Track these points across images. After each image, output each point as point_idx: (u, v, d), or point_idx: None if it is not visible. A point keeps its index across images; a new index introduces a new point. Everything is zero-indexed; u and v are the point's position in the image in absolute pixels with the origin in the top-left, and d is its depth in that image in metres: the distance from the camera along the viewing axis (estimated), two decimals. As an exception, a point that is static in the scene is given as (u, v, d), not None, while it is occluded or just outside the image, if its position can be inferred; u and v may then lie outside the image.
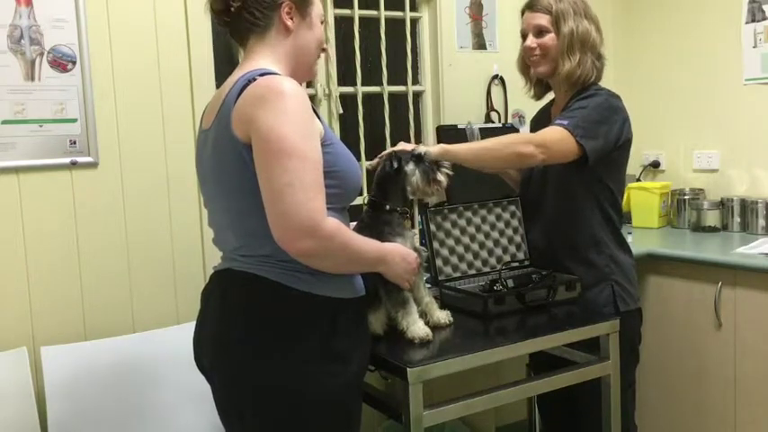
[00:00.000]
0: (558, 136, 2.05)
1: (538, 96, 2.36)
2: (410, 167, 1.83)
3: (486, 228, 2.36)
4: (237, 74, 1.55)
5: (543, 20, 2.15)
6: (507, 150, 2.06)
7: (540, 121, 2.36)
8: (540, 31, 2.17)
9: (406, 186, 1.83)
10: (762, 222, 2.92)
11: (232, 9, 1.56)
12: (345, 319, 1.56)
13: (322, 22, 1.67)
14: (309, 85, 2.73)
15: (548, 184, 2.23)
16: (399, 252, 1.69)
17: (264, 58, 1.57)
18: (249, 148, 1.45)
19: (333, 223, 1.45)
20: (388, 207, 1.80)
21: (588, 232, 2.19)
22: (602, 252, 2.20)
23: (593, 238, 2.19)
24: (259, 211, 1.45)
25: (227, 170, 1.51)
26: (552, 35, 2.15)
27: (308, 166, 1.42)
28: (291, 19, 1.58)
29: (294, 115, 1.43)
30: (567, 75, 2.14)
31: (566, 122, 2.06)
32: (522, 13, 2.24)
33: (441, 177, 1.84)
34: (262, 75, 1.48)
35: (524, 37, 2.23)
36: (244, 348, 1.51)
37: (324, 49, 1.71)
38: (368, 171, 1.90)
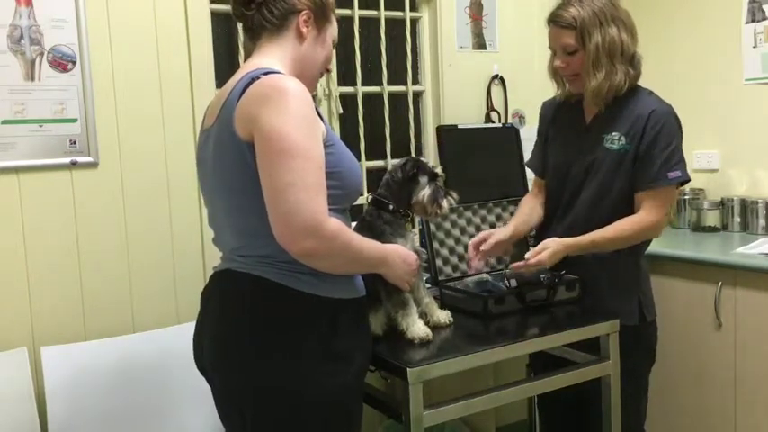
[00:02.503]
0: (669, 196, 2.13)
1: (575, 97, 2.25)
2: (424, 179, 1.84)
3: (486, 228, 2.36)
4: (242, 71, 1.54)
5: (570, 38, 2.06)
6: (638, 238, 2.11)
7: (562, 117, 2.29)
8: (567, 49, 2.08)
9: (413, 195, 1.83)
10: (762, 222, 2.92)
11: (253, 2, 1.57)
12: (346, 319, 1.56)
13: (334, 45, 1.69)
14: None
15: (587, 189, 2.16)
16: (399, 253, 1.69)
17: (272, 57, 1.57)
18: (251, 146, 1.44)
19: (335, 223, 1.45)
20: (392, 207, 1.81)
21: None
22: (634, 262, 2.18)
23: (630, 248, 2.15)
24: (260, 210, 1.44)
25: (229, 169, 1.51)
26: (581, 53, 2.06)
27: (310, 165, 1.41)
28: (307, 27, 1.59)
29: (297, 115, 1.42)
30: (594, 91, 2.07)
31: (677, 175, 2.07)
32: (548, 24, 2.14)
33: (444, 204, 1.85)
34: (266, 73, 1.48)
35: (553, 51, 2.16)
36: (245, 349, 1.51)
37: (328, 70, 1.72)
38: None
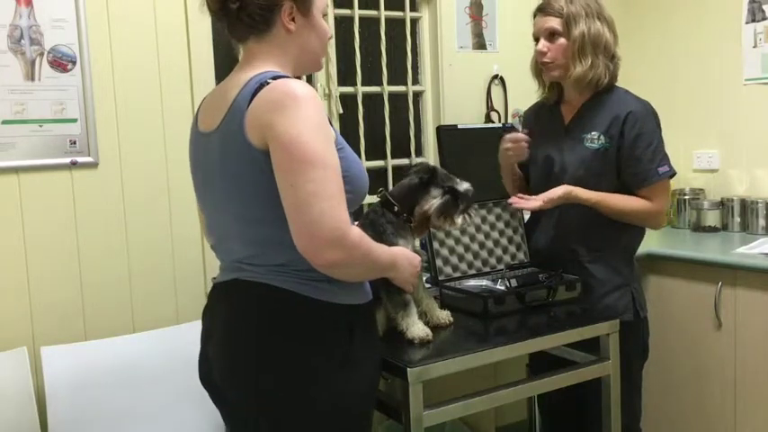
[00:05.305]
0: (666, 189, 2.19)
1: (553, 99, 2.30)
2: (436, 191, 1.79)
3: (486, 228, 2.36)
4: (242, 75, 1.49)
5: (554, 23, 2.12)
6: (641, 218, 2.17)
7: (543, 119, 2.34)
8: (551, 35, 2.14)
9: (420, 203, 1.79)
10: (762, 222, 2.92)
11: (230, 8, 1.50)
12: (360, 324, 1.53)
13: (324, 15, 1.60)
14: (310, 83, 2.72)
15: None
16: (407, 256, 1.67)
17: (268, 59, 1.51)
18: (265, 154, 1.40)
19: (357, 232, 1.43)
20: (396, 209, 1.79)
21: (620, 239, 2.19)
22: (626, 258, 2.22)
23: (623, 245, 2.20)
24: (274, 218, 1.41)
25: (239, 176, 1.46)
26: (564, 39, 2.12)
27: (330, 174, 1.38)
28: (293, 20, 1.52)
29: (313, 122, 1.38)
30: (577, 78, 2.13)
31: (666, 170, 2.13)
32: (534, 16, 2.21)
33: (459, 221, 1.80)
34: (274, 78, 1.43)
35: (536, 40, 2.20)
36: (260, 359, 1.46)
37: (329, 36, 1.65)
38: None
